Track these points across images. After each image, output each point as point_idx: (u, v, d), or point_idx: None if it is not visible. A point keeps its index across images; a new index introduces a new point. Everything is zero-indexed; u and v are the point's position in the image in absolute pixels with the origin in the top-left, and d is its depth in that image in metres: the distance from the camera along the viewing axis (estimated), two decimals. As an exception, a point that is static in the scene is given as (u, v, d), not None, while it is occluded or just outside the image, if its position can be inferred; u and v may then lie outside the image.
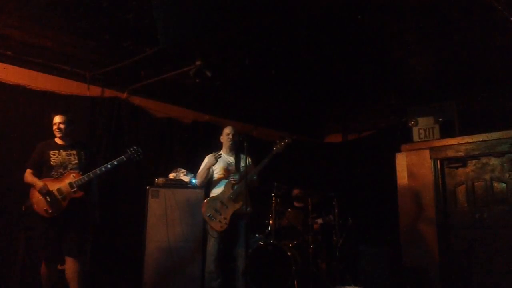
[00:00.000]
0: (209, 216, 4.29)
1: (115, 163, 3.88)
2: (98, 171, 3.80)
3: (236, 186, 4.28)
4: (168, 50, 4.55)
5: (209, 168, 4.42)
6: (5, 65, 4.66)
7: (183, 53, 4.73)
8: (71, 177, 3.77)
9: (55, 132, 3.89)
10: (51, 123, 3.91)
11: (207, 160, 4.46)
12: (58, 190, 3.71)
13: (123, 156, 3.94)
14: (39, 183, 3.68)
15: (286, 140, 4.27)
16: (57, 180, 3.76)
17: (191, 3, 3.62)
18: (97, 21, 4.17)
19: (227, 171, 4.44)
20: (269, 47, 4.66)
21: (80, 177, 3.77)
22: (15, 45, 4.55)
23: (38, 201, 3.69)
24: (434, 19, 4.10)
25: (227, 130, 4.57)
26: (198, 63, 4.68)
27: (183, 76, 5.02)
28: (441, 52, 4.80)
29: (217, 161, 4.38)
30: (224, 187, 4.34)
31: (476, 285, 4.99)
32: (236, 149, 4.56)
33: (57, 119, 3.88)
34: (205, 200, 4.42)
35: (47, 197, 3.67)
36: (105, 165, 3.85)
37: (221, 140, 4.60)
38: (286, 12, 3.93)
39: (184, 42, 4.19)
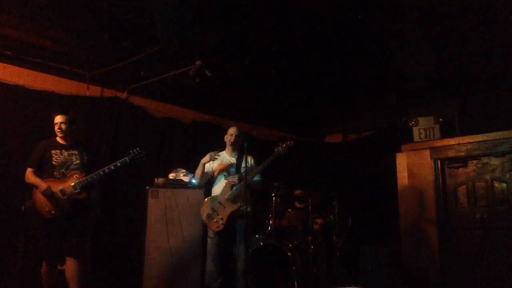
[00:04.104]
0: (206, 215, 4.30)
1: (118, 164, 3.86)
2: (101, 173, 3.79)
3: (235, 187, 4.27)
4: (168, 50, 4.55)
5: (203, 165, 4.43)
6: (5, 65, 4.66)
7: (183, 53, 4.73)
8: (74, 178, 3.76)
9: (56, 132, 3.88)
10: (52, 123, 3.90)
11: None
12: (61, 191, 3.70)
13: (126, 158, 3.93)
14: (43, 185, 3.66)
15: (289, 142, 4.26)
16: (60, 181, 3.75)
17: (191, 3, 3.61)
18: (97, 21, 4.17)
19: (227, 171, 4.44)
20: (269, 47, 4.65)
21: (83, 178, 3.76)
22: (15, 45, 4.55)
23: (41, 201, 3.68)
24: (434, 19, 4.09)
25: (231, 131, 4.58)
26: (198, 63, 4.67)
27: (183, 76, 5.01)
28: (441, 52, 4.79)
29: (212, 159, 4.38)
30: (224, 188, 4.34)
31: (476, 286, 4.98)
32: (238, 150, 4.56)
33: (58, 119, 3.87)
34: (205, 200, 4.42)
35: (51, 199, 3.66)
36: (109, 166, 3.84)
37: (225, 140, 4.62)
38: (286, 12, 3.92)
39: (184, 42, 4.18)
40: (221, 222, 4.22)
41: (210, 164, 4.49)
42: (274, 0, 3.76)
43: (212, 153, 4.41)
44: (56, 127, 3.87)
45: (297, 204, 5.92)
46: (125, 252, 5.05)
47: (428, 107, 5.74)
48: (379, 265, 5.36)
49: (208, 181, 4.64)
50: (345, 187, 6.55)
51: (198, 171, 4.51)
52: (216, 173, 4.50)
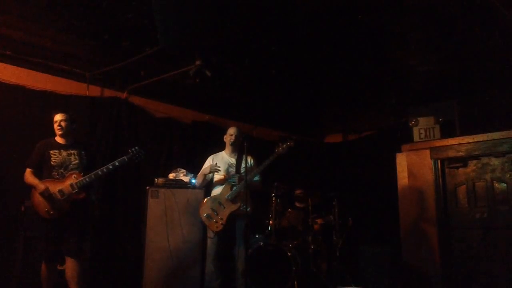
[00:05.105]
0: (206, 216, 4.30)
1: (117, 164, 3.85)
2: (99, 172, 3.78)
3: (235, 187, 4.27)
4: (168, 50, 4.54)
5: (204, 175, 4.46)
6: (5, 65, 4.66)
7: (183, 53, 4.72)
8: (73, 178, 3.75)
9: (56, 130, 3.86)
10: (51, 122, 3.89)
11: (206, 164, 4.50)
12: (60, 191, 3.69)
13: (124, 157, 3.91)
14: (40, 186, 3.65)
15: (289, 143, 4.27)
16: (59, 181, 3.74)
17: (191, 3, 3.61)
18: (97, 21, 4.16)
19: (227, 173, 4.44)
20: (269, 47, 4.65)
21: (82, 178, 3.75)
22: (15, 45, 4.55)
23: (40, 202, 3.67)
24: (434, 19, 4.09)
25: (231, 131, 4.58)
26: (198, 63, 4.66)
27: (183, 76, 5.00)
28: (441, 52, 4.79)
29: (211, 171, 4.38)
30: (223, 188, 4.34)
31: (476, 285, 4.98)
32: (238, 150, 4.56)
33: (58, 117, 3.85)
34: (204, 200, 4.42)
35: (49, 199, 3.66)
36: (107, 166, 3.82)
37: (224, 140, 4.61)
38: (286, 12, 3.92)
39: (184, 42, 4.18)
40: (220, 222, 4.22)
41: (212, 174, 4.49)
42: (274, 0, 3.76)
43: (213, 165, 4.40)
44: (56, 125, 3.85)
45: (297, 204, 5.92)
46: (125, 252, 5.05)
47: (428, 107, 5.75)
48: (379, 265, 5.36)
49: (206, 183, 4.64)
50: (345, 187, 6.55)
51: (199, 179, 4.55)
52: (215, 175, 4.49)
